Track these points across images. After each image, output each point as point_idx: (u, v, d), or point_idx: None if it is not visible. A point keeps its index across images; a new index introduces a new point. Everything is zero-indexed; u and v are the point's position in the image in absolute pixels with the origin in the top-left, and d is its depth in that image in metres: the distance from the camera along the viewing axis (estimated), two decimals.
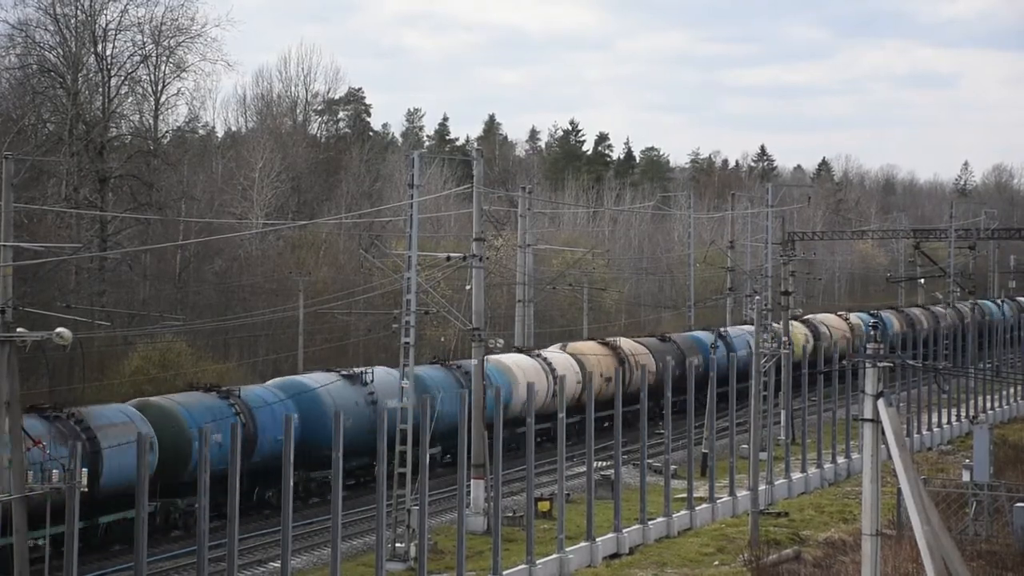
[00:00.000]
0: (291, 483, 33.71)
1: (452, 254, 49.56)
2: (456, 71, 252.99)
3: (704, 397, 53.21)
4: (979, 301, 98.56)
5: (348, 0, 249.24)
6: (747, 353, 68.98)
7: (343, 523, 36.40)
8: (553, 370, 60.17)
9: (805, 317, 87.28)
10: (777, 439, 61.99)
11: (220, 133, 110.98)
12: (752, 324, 76.68)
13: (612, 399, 53.59)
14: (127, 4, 75.02)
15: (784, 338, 65.23)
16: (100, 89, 74.65)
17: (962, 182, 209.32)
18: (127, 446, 38.36)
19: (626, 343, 68.64)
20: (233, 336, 73.06)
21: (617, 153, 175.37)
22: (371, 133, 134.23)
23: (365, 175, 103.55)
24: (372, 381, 51.98)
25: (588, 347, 65.82)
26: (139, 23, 75.85)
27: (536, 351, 63.50)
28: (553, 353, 64.10)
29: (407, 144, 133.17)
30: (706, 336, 73.40)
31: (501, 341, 57.18)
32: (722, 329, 75.45)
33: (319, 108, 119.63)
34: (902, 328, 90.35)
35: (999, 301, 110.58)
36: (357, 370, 52.76)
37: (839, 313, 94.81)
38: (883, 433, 28.05)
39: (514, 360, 60.16)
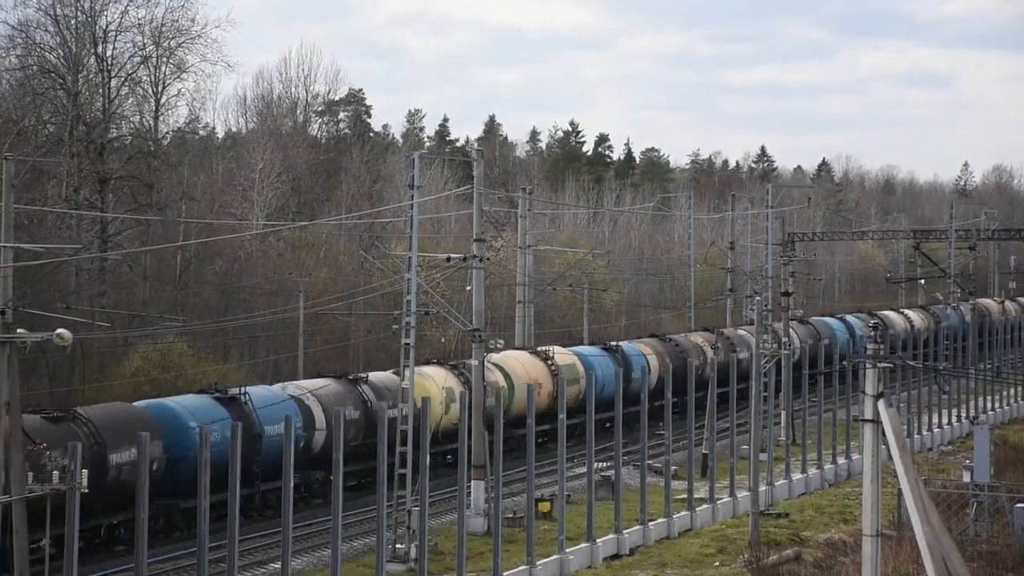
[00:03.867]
0: (291, 483, 33.74)
1: (452, 255, 49.56)
2: (455, 71, 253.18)
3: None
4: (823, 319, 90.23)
5: (344, 1, 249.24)
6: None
7: (343, 524, 36.39)
8: None
9: (493, 355, 56.31)
10: (777, 440, 62.01)
11: (220, 134, 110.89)
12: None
13: None
14: (127, 5, 75.08)
15: (786, 340, 65.23)
16: (100, 90, 74.64)
17: (962, 182, 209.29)
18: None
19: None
20: (233, 337, 73.07)
21: (617, 154, 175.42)
22: (371, 134, 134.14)
23: (365, 176, 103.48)
24: None
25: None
26: (139, 24, 75.97)
27: None
28: None
29: (407, 145, 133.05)
30: (275, 395, 48.78)
31: (501, 342, 57.11)
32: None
33: (319, 109, 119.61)
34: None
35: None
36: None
37: (541, 350, 63.96)
38: (883, 434, 28.07)
39: None
